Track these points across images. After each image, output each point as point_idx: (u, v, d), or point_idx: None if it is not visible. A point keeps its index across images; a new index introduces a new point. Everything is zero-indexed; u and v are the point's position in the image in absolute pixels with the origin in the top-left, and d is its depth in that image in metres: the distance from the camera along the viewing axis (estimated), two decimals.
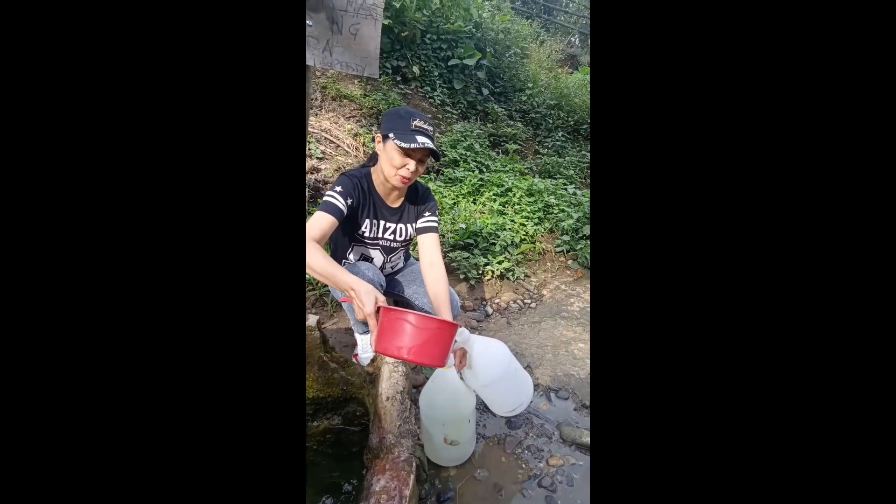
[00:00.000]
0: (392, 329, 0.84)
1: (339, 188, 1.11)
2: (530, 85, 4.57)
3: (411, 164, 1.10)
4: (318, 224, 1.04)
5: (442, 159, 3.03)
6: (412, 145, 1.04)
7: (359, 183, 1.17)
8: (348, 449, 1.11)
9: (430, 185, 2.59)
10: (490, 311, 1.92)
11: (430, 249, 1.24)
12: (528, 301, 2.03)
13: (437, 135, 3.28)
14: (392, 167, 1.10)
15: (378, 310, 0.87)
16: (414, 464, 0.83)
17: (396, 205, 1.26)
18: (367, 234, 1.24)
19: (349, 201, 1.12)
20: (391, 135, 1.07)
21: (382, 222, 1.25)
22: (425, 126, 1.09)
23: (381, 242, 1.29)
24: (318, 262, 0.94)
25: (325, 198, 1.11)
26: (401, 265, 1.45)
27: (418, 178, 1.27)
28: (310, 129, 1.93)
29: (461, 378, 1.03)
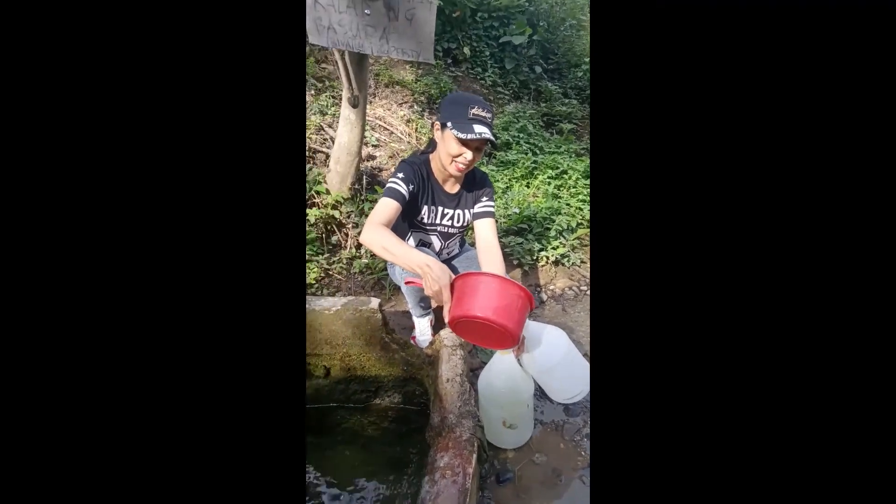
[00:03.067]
0: (474, 291, 0.84)
1: (401, 174, 1.14)
2: (587, 59, 4.32)
3: (468, 154, 1.09)
4: (385, 210, 1.08)
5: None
6: (469, 136, 1.04)
7: (419, 170, 1.19)
8: (409, 426, 1.16)
9: (483, 170, 2.57)
10: (545, 297, 1.89)
11: (486, 234, 1.24)
12: (585, 288, 1.97)
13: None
14: (449, 156, 1.11)
15: (452, 284, 0.90)
16: (475, 443, 0.85)
17: (454, 191, 1.27)
18: (425, 220, 1.27)
19: (411, 187, 1.14)
20: (449, 123, 1.06)
21: (440, 208, 1.27)
22: (484, 113, 1.07)
23: (438, 228, 1.31)
24: (391, 244, 0.99)
25: (388, 184, 1.14)
26: (456, 251, 1.46)
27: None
28: (366, 118, 1.98)
29: (519, 363, 1.03)
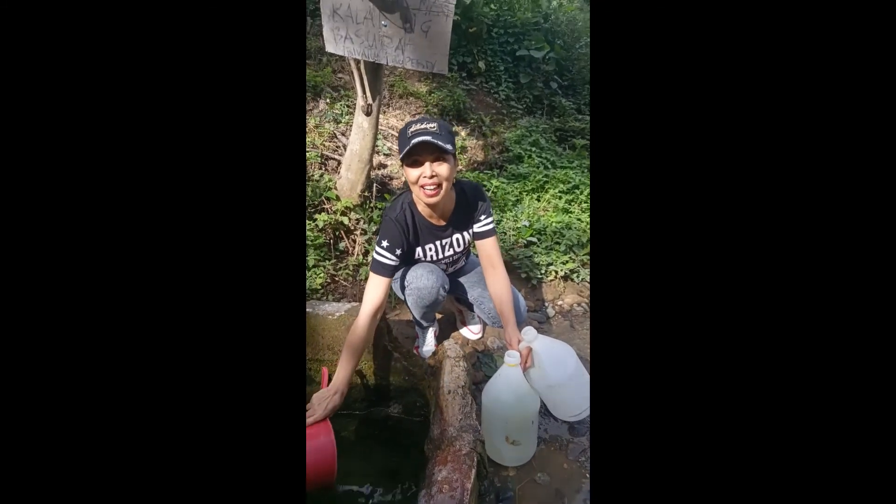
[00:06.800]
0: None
1: (385, 242, 1.10)
2: None
3: (426, 170, 1.03)
4: (376, 293, 1.07)
5: (506, 155, 2.98)
6: (405, 149, 1.00)
7: (402, 223, 1.14)
8: (408, 438, 1.13)
9: (494, 182, 2.56)
10: (552, 312, 1.86)
11: (489, 254, 1.21)
12: None
13: (500, 130, 3.24)
14: (414, 185, 1.06)
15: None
16: (475, 458, 0.83)
17: (444, 222, 1.21)
18: (424, 259, 1.24)
19: (398, 252, 1.11)
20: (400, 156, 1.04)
21: (437, 243, 1.23)
22: (423, 126, 1.02)
23: (444, 261, 1.28)
24: (344, 352, 1.03)
25: (375, 257, 1.10)
26: (462, 264, 1.44)
27: (464, 179, 1.24)
28: (379, 127, 2.01)
29: (526, 378, 1.01)
